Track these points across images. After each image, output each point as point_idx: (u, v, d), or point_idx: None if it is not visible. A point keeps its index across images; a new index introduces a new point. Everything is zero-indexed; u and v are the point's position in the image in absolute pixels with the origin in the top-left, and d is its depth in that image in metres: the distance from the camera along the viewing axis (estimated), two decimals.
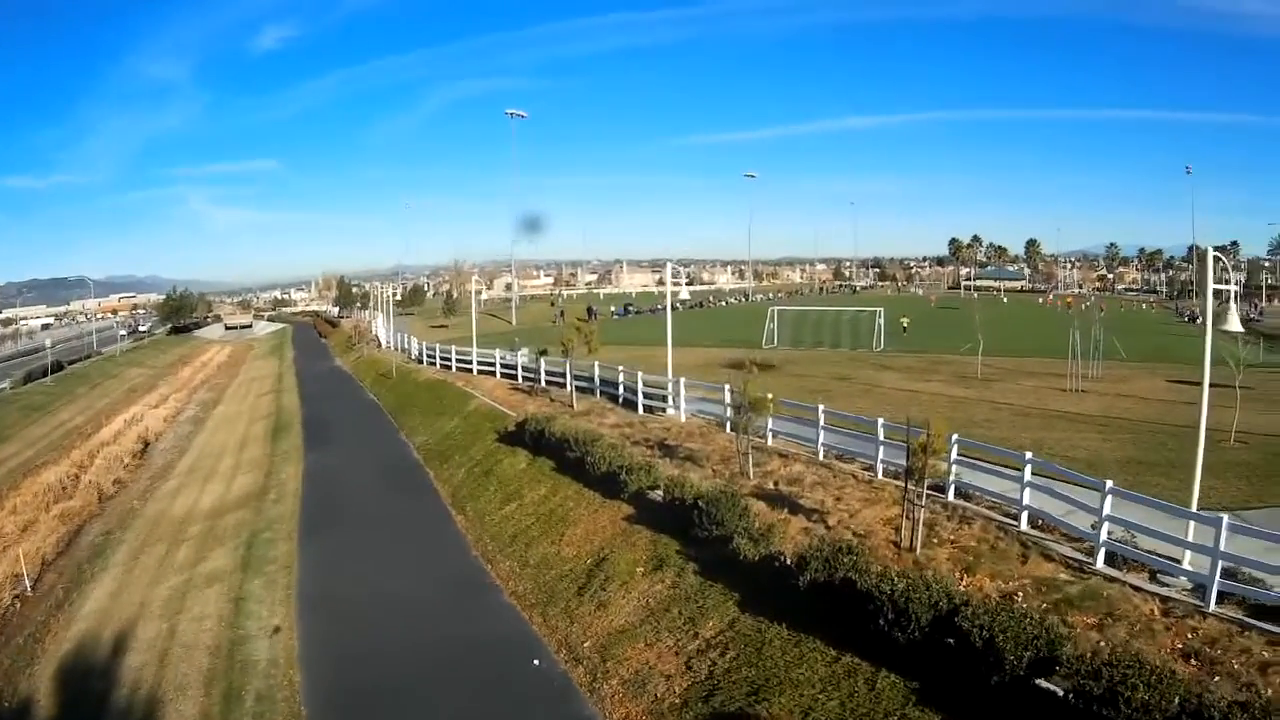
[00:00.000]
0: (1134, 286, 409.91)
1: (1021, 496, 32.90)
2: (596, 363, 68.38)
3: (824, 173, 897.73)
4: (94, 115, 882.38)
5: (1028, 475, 32.87)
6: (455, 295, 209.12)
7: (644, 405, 60.51)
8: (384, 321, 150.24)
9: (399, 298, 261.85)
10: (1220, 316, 29.06)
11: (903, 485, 33.30)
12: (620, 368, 66.51)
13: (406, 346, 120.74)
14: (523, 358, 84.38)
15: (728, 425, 51.47)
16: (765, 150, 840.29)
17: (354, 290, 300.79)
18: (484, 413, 67.42)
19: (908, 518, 31.15)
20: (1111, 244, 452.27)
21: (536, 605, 35.58)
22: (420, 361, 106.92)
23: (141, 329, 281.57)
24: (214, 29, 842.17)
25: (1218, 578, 25.34)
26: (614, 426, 55.27)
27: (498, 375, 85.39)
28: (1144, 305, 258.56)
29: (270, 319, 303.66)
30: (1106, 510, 28.83)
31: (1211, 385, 72.58)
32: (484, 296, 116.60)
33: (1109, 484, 29.11)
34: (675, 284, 61.83)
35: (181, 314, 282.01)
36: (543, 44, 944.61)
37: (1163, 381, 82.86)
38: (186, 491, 67.48)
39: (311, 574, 42.24)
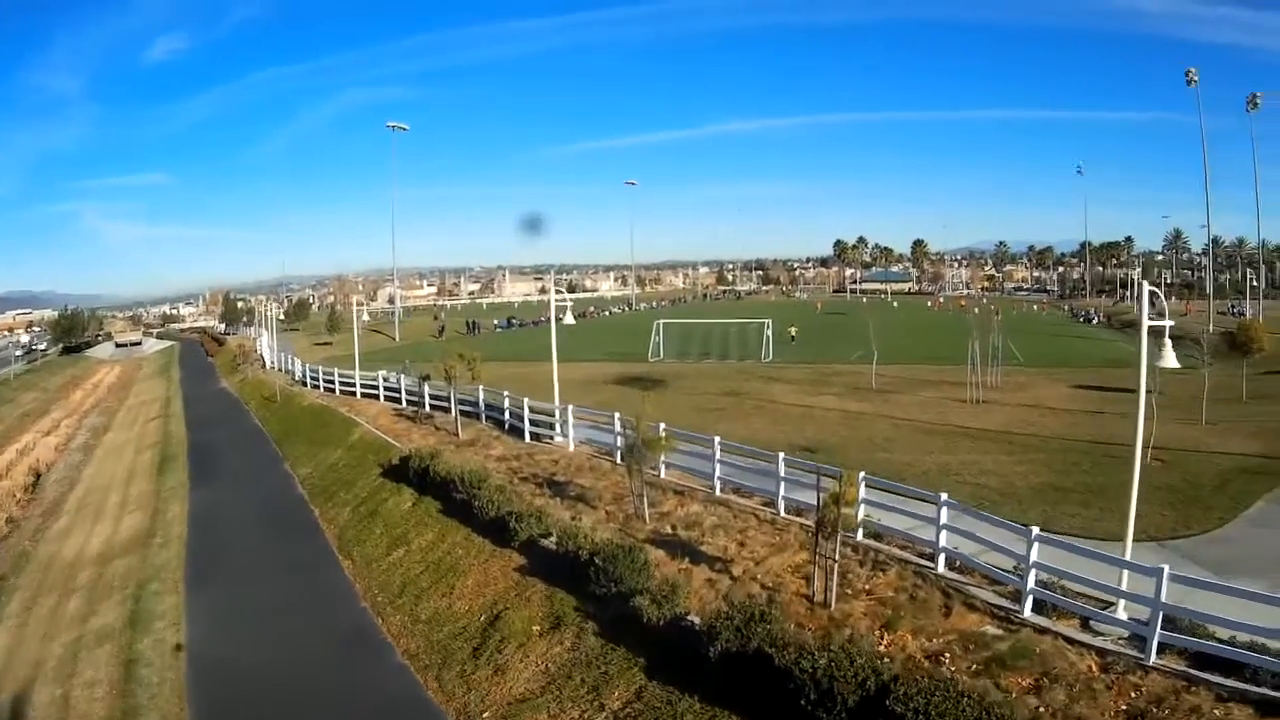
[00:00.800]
0: (1024, 285, 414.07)
1: (938, 539, 30.94)
2: (481, 387, 66.17)
3: (707, 177, 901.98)
4: None
5: (944, 518, 30.86)
6: (339, 310, 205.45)
7: (531, 433, 58.29)
8: (268, 340, 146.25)
9: (284, 312, 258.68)
10: (1156, 353, 26.71)
11: (809, 526, 31.73)
12: (505, 393, 64.03)
13: (290, 368, 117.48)
14: (406, 380, 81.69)
15: (618, 455, 49.07)
16: (647, 155, 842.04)
17: (239, 306, 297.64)
18: (368, 443, 64.58)
19: (820, 568, 28.88)
20: (1001, 242, 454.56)
21: (431, 667, 32.65)
22: (304, 384, 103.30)
23: (39, 348, 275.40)
24: (106, 41, 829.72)
25: (1158, 629, 23.73)
26: (501, 459, 53.04)
27: (381, 399, 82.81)
28: (1035, 306, 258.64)
29: (159, 336, 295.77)
30: (1033, 557, 27.10)
31: (1117, 390, 72.03)
32: (365, 315, 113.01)
33: (1035, 530, 27.40)
34: (560, 305, 59.21)
35: (73, 333, 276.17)
36: (424, 54, 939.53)
37: (1065, 388, 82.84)
38: (77, 531, 63.74)
39: (200, 633, 38.88)
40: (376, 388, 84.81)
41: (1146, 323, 26.50)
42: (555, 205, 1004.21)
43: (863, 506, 33.53)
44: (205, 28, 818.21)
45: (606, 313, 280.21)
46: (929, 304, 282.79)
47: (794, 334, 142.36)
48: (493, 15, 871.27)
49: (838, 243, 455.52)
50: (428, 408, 72.58)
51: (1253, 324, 79.51)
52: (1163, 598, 23.55)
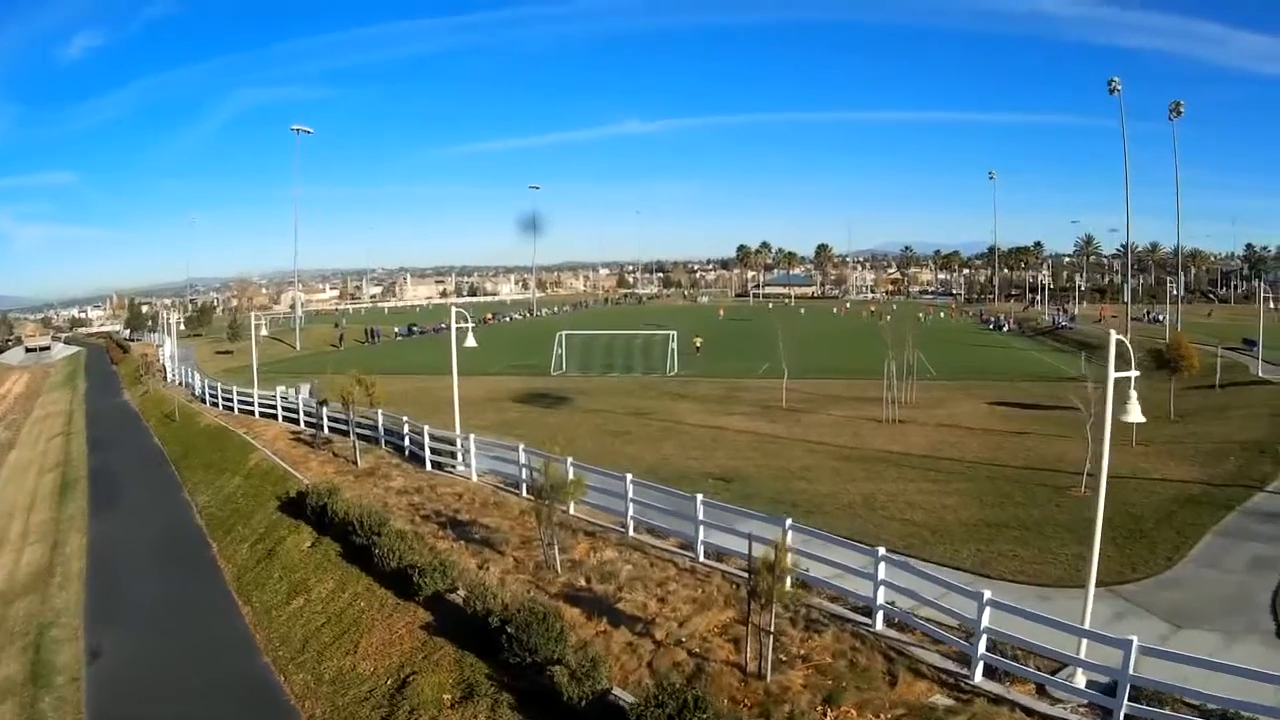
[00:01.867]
0: (929, 289, 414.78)
1: (875, 596, 29.12)
2: (380, 411, 63.73)
3: (605, 178, 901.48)
4: None
5: (882, 573, 28.84)
6: (240, 319, 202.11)
7: (432, 461, 55.98)
8: (170, 349, 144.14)
9: (188, 315, 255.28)
10: (1121, 407, 24.68)
11: (732, 575, 31.63)
12: (405, 417, 61.95)
13: (190, 382, 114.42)
14: (305, 398, 79.36)
15: (523, 489, 46.79)
16: (545, 156, 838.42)
17: (144, 310, 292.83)
18: (265, 470, 61.48)
19: (753, 637, 26.54)
20: (907, 247, 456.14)
21: None
22: (204, 400, 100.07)
23: None
24: (19, 38, 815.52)
25: (1125, 702, 22.42)
26: (401, 493, 50.63)
27: (280, 419, 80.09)
28: (943, 313, 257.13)
29: (67, 341, 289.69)
30: (985, 623, 25.34)
31: (1037, 407, 70.61)
32: (263, 324, 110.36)
33: (987, 595, 25.54)
34: (461, 328, 56.72)
35: None
36: (324, 54, 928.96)
37: (982, 404, 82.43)
38: None
39: (102, 691, 35.75)
40: (275, 408, 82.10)
41: (1113, 375, 24.20)
42: (454, 206, 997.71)
43: (789, 555, 31.08)
44: (117, 26, 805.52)
45: (508, 318, 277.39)
46: (834, 309, 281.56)
47: (699, 345, 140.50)
48: (390, 15, 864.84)
49: (740, 247, 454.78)
50: (326, 431, 70.39)
51: (1182, 341, 78.05)
52: (1130, 669, 22.17)
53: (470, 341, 56.09)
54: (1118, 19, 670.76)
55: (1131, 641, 22.01)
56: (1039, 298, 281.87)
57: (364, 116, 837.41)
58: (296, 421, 76.97)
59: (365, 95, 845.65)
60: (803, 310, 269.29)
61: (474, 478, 52.40)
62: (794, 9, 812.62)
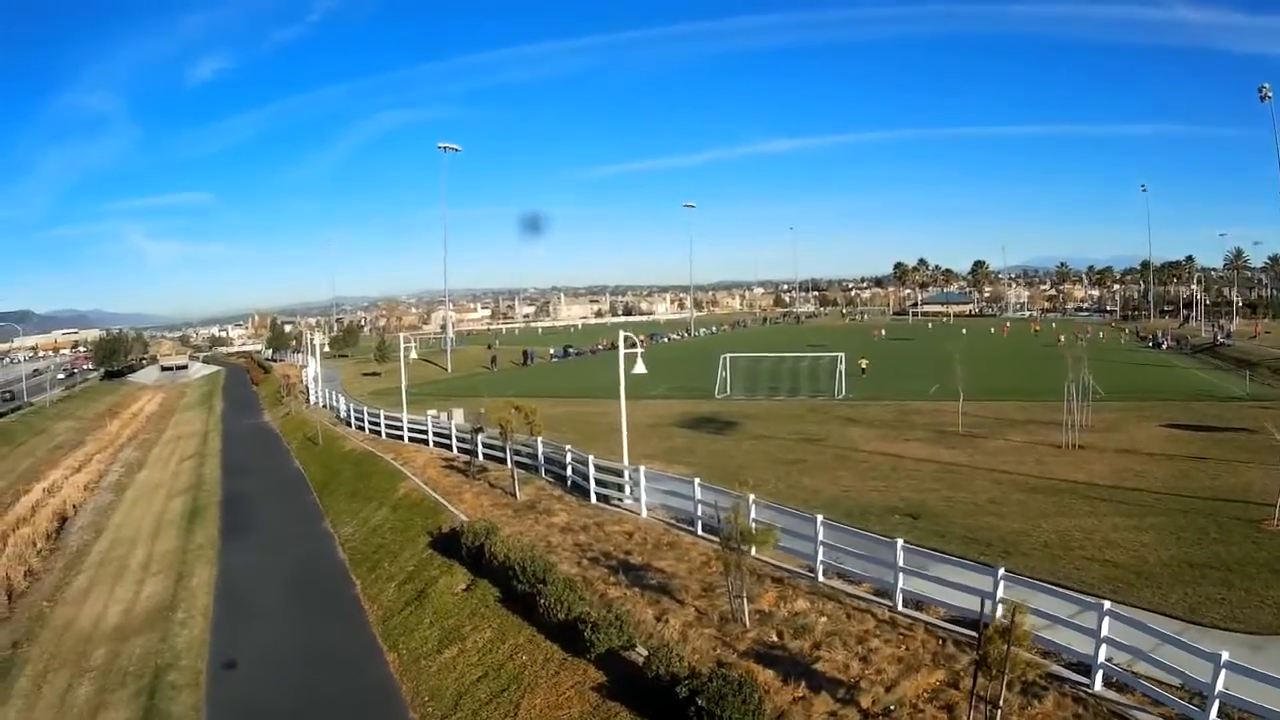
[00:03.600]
0: (1084, 305, 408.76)
1: (1097, 654, 25.93)
2: (540, 440, 61.11)
3: (753, 196, 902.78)
4: (28, 148, 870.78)
5: (1105, 630, 25.76)
6: (387, 340, 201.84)
7: (597, 494, 53.24)
8: (314, 370, 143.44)
9: (333, 334, 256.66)
10: None
11: (935, 628, 29.49)
12: (568, 447, 59.17)
13: (335, 404, 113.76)
14: (457, 425, 77.29)
15: (698, 526, 44.42)
16: (694, 176, 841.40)
17: (287, 330, 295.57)
18: (415, 501, 59.27)
19: (976, 710, 23.47)
20: (1062, 263, 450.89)
21: None
22: (349, 424, 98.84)
23: (86, 369, 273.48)
24: (148, 61, 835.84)
25: None
26: (565, 530, 47.77)
27: (430, 445, 78.13)
28: (1101, 332, 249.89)
29: (206, 360, 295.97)
30: (1219, 687, 22.39)
31: (1213, 429, 66.84)
32: (413, 345, 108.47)
33: (1225, 656, 22.44)
34: (630, 354, 53.99)
35: (115, 357, 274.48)
36: (466, 74, 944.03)
37: (1157, 428, 78.12)
38: (96, 593, 58.84)
39: None
40: (425, 433, 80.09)
41: None
42: (605, 226, 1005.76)
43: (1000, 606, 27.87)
44: (245, 49, 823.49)
45: (666, 339, 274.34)
46: (992, 328, 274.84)
47: (864, 367, 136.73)
48: (534, 36, 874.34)
49: (897, 264, 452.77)
50: (480, 458, 67.73)
51: None
52: None
53: (640, 368, 53.55)
54: (1259, 25, 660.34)
55: None
56: (1192, 313, 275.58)
57: (510, 137, 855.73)
58: (449, 448, 74.99)
59: (510, 115, 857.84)
60: (964, 330, 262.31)
61: (644, 513, 49.57)
62: (943, 23, 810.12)
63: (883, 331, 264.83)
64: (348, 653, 39.99)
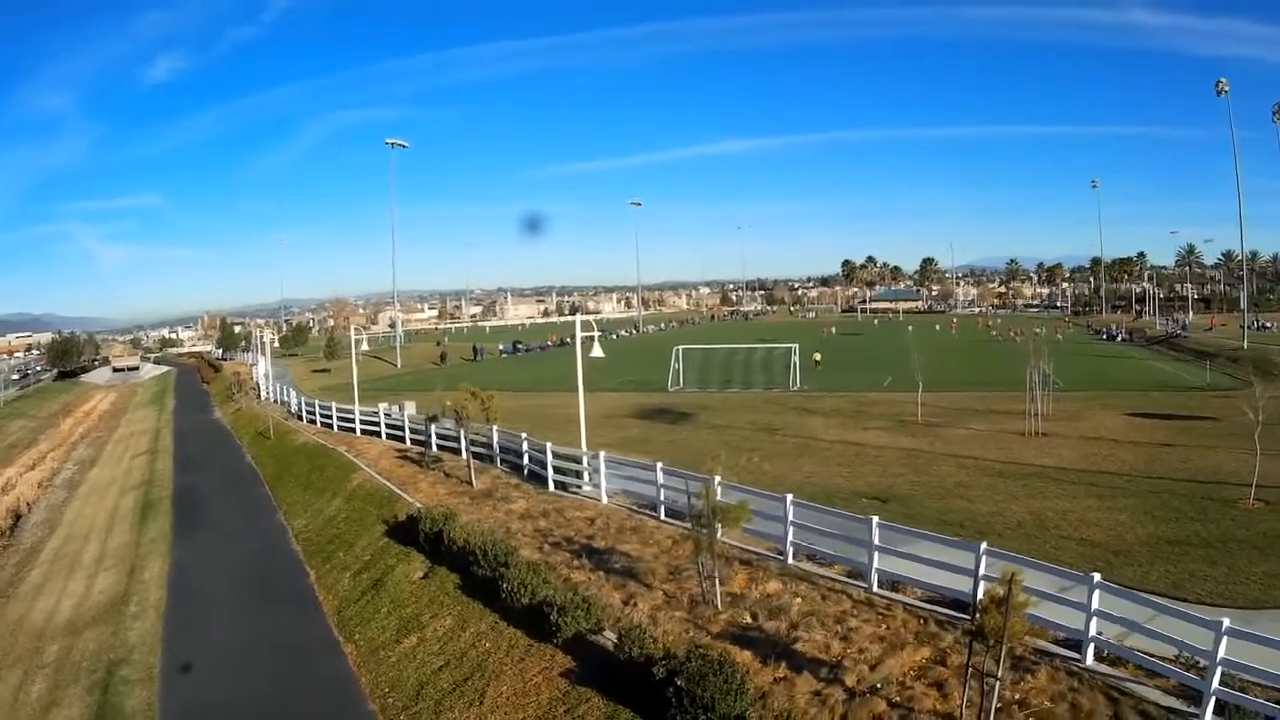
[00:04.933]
0: (1034, 303, 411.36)
1: (1087, 628, 25.15)
2: (495, 427, 59.74)
3: (702, 197, 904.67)
4: None
5: (1096, 603, 25.05)
6: (337, 337, 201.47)
7: (555, 481, 52.16)
8: (264, 368, 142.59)
9: (283, 335, 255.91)
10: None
11: (915, 608, 29.12)
12: (524, 434, 57.72)
13: (286, 399, 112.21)
14: (410, 415, 76.16)
15: (661, 510, 43.33)
16: (643, 176, 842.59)
17: (236, 330, 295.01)
18: (369, 491, 57.94)
19: (972, 683, 22.49)
20: (1012, 260, 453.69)
21: None
22: (300, 418, 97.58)
23: (37, 369, 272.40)
24: (103, 60, 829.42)
25: None
26: (525, 517, 46.41)
27: (383, 437, 76.95)
28: (1055, 326, 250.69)
29: (157, 361, 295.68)
30: (1221, 653, 21.65)
31: (1177, 417, 66.88)
32: (364, 339, 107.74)
33: (1226, 623, 21.78)
34: (587, 336, 53.14)
35: (68, 358, 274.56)
36: (416, 75, 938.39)
37: (1121, 416, 78.86)
38: (50, 588, 57.66)
39: None
40: (378, 424, 78.93)
41: None
42: (552, 226, 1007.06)
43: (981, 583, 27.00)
44: (201, 49, 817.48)
45: (614, 335, 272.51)
46: (937, 325, 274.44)
47: (818, 360, 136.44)
48: (484, 36, 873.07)
49: (845, 262, 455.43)
50: (434, 449, 66.79)
51: None
52: None
53: (597, 351, 52.58)
54: (1208, 28, 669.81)
55: None
56: (1145, 308, 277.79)
57: (459, 136, 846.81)
58: (402, 439, 73.88)
59: (459, 115, 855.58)
60: (910, 327, 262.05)
61: (604, 500, 48.41)
62: (894, 27, 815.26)
63: (833, 329, 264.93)
64: (304, 644, 38.57)
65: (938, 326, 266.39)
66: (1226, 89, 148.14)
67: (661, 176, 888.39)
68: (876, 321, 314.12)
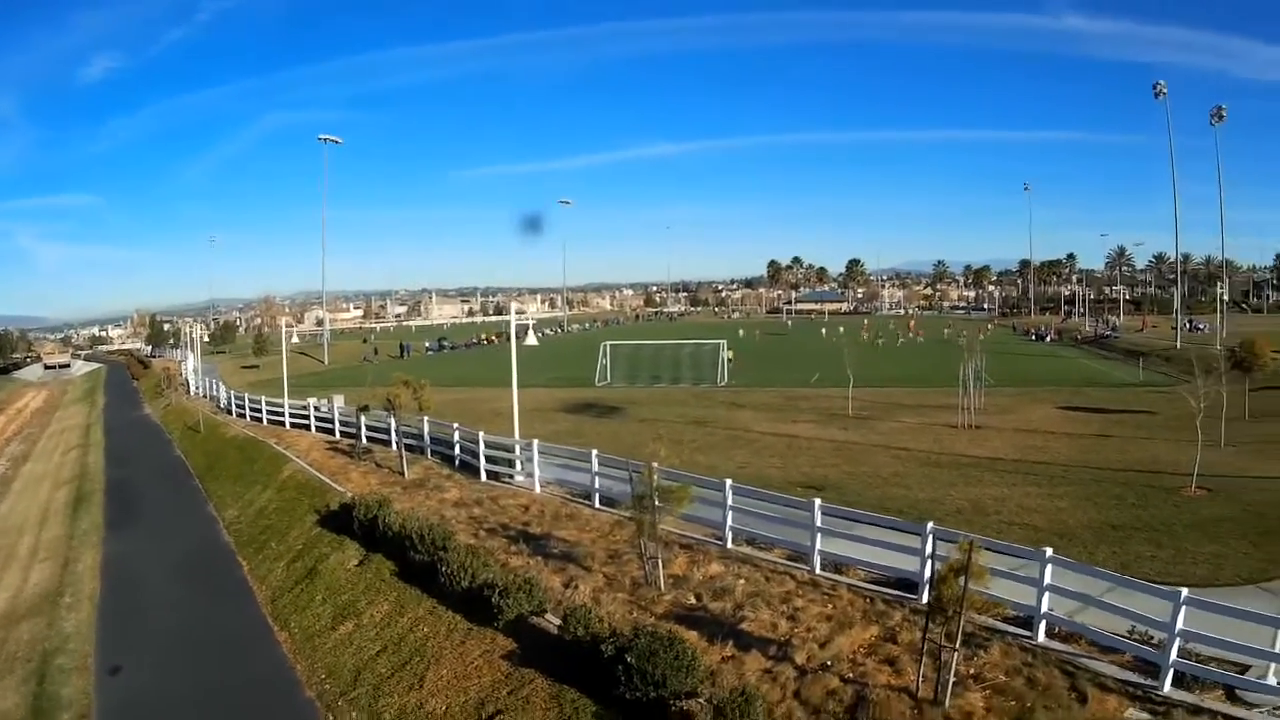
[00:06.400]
0: (960, 305, 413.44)
1: (1039, 604, 25.25)
2: (426, 418, 59.38)
3: (628, 200, 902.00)
4: None
5: (1049, 577, 25.23)
6: (265, 333, 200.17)
7: (488, 471, 51.84)
8: (193, 364, 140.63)
9: (210, 334, 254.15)
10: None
11: (859, 588, 29.36)
12: (455, 425, 57.80)
13: (215, 394, 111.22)
14: (339, 408, 75.64)
15: (596, 499, 43.20)
16: (570, 180, 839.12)
17: (165, 328, 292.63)
18: (301, 482, 57.42)
19: (927, 657, 22.47)
20: (939, 261, 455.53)
21: None
22: (230, 412, 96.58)
23: None
24: (40, 58, 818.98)
25: None
26: (459, 505, 45.95)
27: (313, 430, 76.24)
28: (986, 326, 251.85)
29: (87, 358, 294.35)
30: (1180, 625, 22.23)
31: (1108, 411, 67.53)
32: (294, 332, 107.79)
33: (1185, 593, 22.45)
34: (521, 325, 52.89)
35: (1, 354, 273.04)
36: (352, 77, 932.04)
37: (1054, 409, 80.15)
38: None
39: None
40: (308, 418, 78.21)
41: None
42: (480, 229, 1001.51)
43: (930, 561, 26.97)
44: (136, 48, 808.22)
45: (541, 334, 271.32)
46: (865, 326, 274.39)
47: (730, 357, 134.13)
48: (415, 39, 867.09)
49: (771, 263, 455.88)
50: (365, 441, 66.01)
51: (1258, 341, 74.94)
52: None
53: (531, 339, 52.25)
54: (1141, 35, 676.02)
55: None
56: (1075, 309, 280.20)
57: (388, 139, 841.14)
58: (332, 432, 73.36)
59: (390, 118, 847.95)
60: (842, 328, 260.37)
61: (538, 489, 48.07)
62: (822, 30, 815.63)
63: (757, 332, 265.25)
64: (238, 632, 38.09)
65: (865, 335, 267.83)
66: (1164, 91, 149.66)
67: (589, 180, 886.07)
68: (790, 323, 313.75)
